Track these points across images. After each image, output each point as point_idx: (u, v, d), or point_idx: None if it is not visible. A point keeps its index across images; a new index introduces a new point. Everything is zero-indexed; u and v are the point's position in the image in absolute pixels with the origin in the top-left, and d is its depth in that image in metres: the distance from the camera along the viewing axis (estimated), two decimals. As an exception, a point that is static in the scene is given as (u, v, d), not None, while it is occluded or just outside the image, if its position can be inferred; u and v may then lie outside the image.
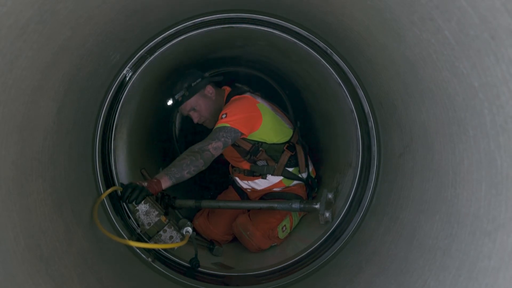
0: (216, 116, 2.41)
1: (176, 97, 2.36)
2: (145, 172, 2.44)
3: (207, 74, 2.46)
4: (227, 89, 2.49)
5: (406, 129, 1.43)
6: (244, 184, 2.59)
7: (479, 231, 0.88)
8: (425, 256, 1.12)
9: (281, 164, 2.41)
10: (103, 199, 1.90)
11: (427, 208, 1.20)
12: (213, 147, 2.05)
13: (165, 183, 1.88)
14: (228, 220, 2.47)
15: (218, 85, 2.54)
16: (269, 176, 2.45)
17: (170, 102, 2.39)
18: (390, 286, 1.26)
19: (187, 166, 1.93)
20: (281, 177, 2.45)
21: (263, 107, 2.33)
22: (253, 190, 2.57)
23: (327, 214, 2.00)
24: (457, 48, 0.90)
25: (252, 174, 2.48)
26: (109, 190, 1.81)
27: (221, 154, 2.33)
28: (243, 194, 2.64)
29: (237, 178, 2.62)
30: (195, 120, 2.44)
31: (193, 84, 2.35)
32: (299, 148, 2.46)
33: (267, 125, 2.30)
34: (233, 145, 2.32)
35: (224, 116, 2.19)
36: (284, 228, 2.34)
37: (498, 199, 0.83)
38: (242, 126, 2.19)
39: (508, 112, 0.77)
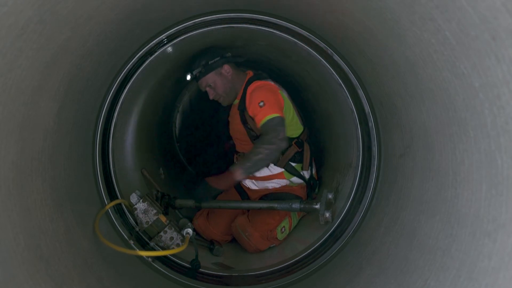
0: (231, 95, 2.47)
1: (194, 73, 2.43)
2: (146, 172, 2.45)
3: (229, 54, 2.49)
4: (250, 73, 2.54)
5: (407, 129, 1.43)
6: None
7: (479, 231, 0.88)
8: (425, 256, 1.12)
9: (286, 157, 2.43)
10: (103, 199, 1.91)
11: (427, 208, 1.20)
12: (280, 139, 2.18)
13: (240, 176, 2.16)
14: (228, 220, 2.47)
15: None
16: (271, 166, 2.46)
17: (188, 77, 2.45)
18: (390, 286, 1.26)
19: (262, 161, 2.20)
20: (283, 170, 2.46)
21: (284, 96, 2.40)
22: (253, 190, 2.58)
23: (327, 214, 1.99)
24: (457, 48, 0.90)
25: None
26: (113, 203, 1.82)
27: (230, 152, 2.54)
28: (243, 193, 2.64)
29: None
30: (211, 97, 2.50)
31: (210, 62, 2.40)
32: (306, 147, 2.51)
33: (285, 114, 2.36)
34: (246, 127, 2.39)
35: (262, 104, 2.25)
36: (283, 229, 2.34)
37: (498, 200, 0.83)
38: (281, 111, 2.30)
39: (509, 113, 0.77)
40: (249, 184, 2.61)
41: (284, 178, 2.49)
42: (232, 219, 2.44)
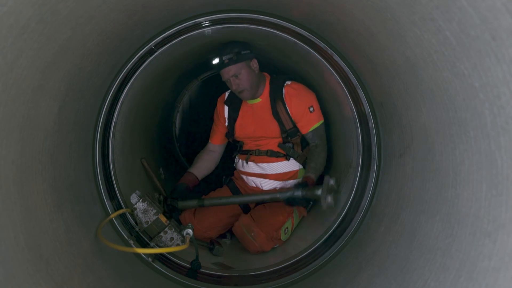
0: (254, 90, 2.45)
1: (224, 58, 2.35)
2: (145, 162, 2.45)
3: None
4: (268, 75, 2.56)
5: (407, 129, 1.43)
6: (258, 169, 2.56)
7: (479, 231, 0.88)
8: (425, 256, 1.12)
9: (304, 154, 2.49)
10: (103, 199, 1.91)
11: (428, 208, 1.20)
12: (325, 144, 2.48)
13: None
14: (214, 217, 2.45)
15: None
16: (292, 160, 2.49)
17: (216, 61, 2.38)
18: (390, 286, 1.26)
19: (322, 165, 2.40)
20: (301, 166, 2.51)
21: None
22: (257, 188, 2.58)
23: (329, 199, 1.91)
24: (457, 49, 0.90)
25: (276, 155, 2.50)
26: (117, 212, 1.83)
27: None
28: (238, 193, 2.64)
29: (251, 163, 2.59)
30: (233, 87, 2.44)
31: (242, 52, 2.38)
32: None
33: None
34: (278, 120, 2.45)
35: (312, 109, 2.43)
36: (286, 230, 2.33)
37: (498, 200, 0.83)
38: (322, 116, 2.50)
39: (509, 113, 0.77)
40: (258, 183, 2.57)
41: (296, 178, 2.51)
42: (218, 216, 2.44)
